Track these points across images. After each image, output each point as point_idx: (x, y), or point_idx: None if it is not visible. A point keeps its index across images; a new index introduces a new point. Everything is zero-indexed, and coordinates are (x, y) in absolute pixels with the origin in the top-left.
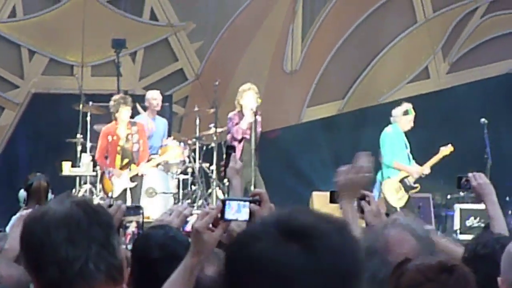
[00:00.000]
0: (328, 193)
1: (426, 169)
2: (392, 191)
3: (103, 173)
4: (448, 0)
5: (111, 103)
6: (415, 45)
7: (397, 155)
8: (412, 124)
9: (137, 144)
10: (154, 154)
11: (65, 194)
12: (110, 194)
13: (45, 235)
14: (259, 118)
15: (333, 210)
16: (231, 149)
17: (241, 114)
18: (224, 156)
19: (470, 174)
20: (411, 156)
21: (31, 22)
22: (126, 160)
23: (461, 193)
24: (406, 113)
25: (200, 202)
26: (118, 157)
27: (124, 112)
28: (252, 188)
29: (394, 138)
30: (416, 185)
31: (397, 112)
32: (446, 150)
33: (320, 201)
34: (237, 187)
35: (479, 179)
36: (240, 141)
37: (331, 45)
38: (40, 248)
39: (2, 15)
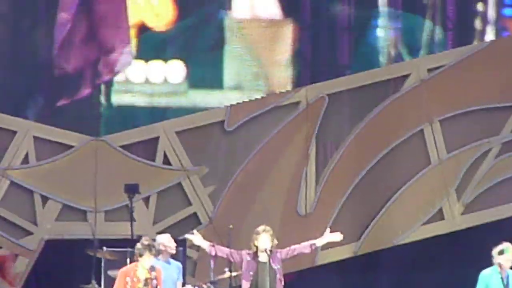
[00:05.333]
0: None
1: None
2: None
3: None
4: (462, 142)
5: (138, 245)
6: (429, 187)
7: None
8: (510, 264)
9: None
10: None
11: None
12: None
13: None
14: (278, 255)
15: None
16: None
17: (255, 255)
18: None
19: None
20: None
21: (44, 168)
22: None
23: None
24: (501, 252)
25: None
26: None
27: (147, 260)
28: None
29: (486, 279)
30: None
31: (494, 252)
32: None
33: None
34: None
35: None
36: None
37: (345, 187)
38: None
39: (15, 162)
